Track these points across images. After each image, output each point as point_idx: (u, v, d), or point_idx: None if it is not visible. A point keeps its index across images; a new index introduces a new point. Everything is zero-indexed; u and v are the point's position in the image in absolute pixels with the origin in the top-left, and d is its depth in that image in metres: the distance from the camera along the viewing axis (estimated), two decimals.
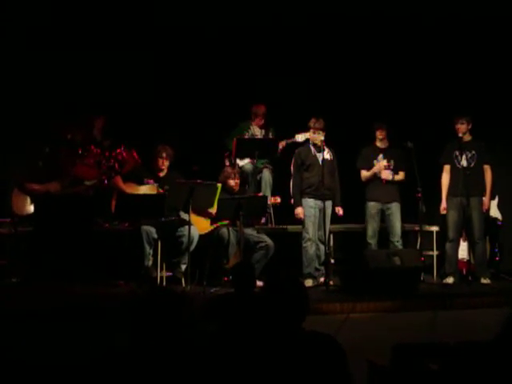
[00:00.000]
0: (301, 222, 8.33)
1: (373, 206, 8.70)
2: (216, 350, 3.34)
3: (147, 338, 3.09)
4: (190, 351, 3.09)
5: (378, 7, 9.49)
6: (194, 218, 7.81)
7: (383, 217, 8.73)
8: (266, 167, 9.11)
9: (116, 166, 8.47)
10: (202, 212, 8.01)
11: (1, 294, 7.24)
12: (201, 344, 3.29)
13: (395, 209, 8.68)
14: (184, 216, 7.87)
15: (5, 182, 8.49)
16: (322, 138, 8.22)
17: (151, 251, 7.83)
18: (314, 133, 8.27)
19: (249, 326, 4.15)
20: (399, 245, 8.60)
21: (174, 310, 3.14)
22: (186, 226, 7.66)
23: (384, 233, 8.78)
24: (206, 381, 3.03)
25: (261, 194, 8.57)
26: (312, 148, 8.33)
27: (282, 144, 8.91)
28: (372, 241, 8.69)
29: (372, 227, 8.70)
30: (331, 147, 8.44)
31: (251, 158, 8.90)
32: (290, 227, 8.93)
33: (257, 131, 9.25)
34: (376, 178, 8.70)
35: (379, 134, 8.75)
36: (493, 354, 1.84)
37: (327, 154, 8.34)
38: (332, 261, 8.56)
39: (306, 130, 8.50)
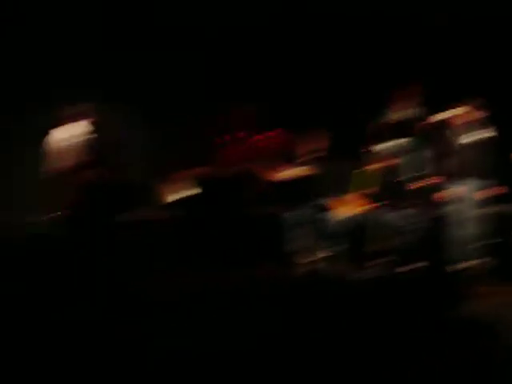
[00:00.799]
0: (451, 204, 8.13)
1: None
2: None
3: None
4: None
5: None
6: (340, 201, 7.78)
7: None
8: (414, 149, 8.93)
9: (263, 151, 8.56)
10: (348, 196, 7.97)
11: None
12: None
13: None
14: (330, 200, 7.86)
15: None
16: (475, 117, 7.99)
17: (296, 235, 7.84)
18: (468, 112, 8.05)
19: None
20: None
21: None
22: (333, 210, 7.64)
23: None
24: None
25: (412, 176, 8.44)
26: (464, 128, 8.12)
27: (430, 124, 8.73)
28: None
29: None
30: (488, 125, 8.18)
31: (398, 140, 8.76)
32: (441, 210, 8.70)
33: (401, 113, 9.06)
34: None
35: None
36: None
37: (481, 134, 8.09)
38: (488, 242, 8.31)
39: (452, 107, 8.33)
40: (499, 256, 7.76)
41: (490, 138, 8.18)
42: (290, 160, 8.23)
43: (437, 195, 8.15)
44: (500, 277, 7.36)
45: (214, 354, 4.47)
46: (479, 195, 8.09)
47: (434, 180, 8.33)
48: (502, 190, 8.15)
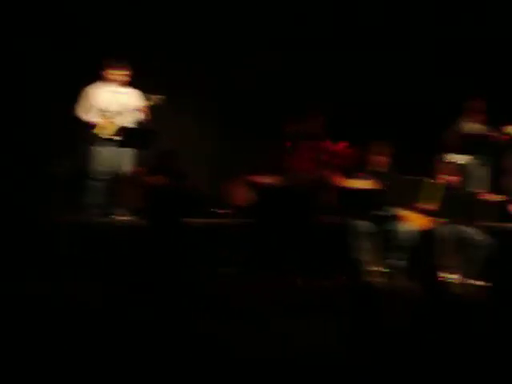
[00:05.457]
0: None
1: None
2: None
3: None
4: None
5: None
6: (412, 214, 7.79)
7: None
8: (485, 164, 8.92)
9: (335, 161, 8.60)
10: (417, 208, 7.96)
11: (223, 283, 7.50)
12: None
13: None
14: (398, 211, 7.86)
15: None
16: None
17: (366, 246, 7.86)
18: None
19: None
20: None
21: None
22: (402, 222, 7.66)
23: None
24: None
25: (480, 192, 8.39)
26: None
27: (499, 138, 8.67)
28: None
29: None
30: None
31: (472, 155, 8.74)
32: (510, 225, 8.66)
33: (475, 127, 9.05)
34: None
35: None
36: None
37: None
38: None
39: None
40: None
41: None
42: (358, 170, 8.25)
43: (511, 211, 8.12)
44: None
45: (278, 362, 4.51)
46: None
47: (502, 196, 8.30)
48: None
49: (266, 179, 8.57)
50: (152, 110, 8.56)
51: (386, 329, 3.52)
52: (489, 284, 3.79)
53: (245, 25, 9.96)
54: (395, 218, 7.91)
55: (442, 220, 7.91)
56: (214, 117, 10.19)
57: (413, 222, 7.88)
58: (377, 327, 3.32)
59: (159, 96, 8.50)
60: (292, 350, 4.88)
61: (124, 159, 8.60)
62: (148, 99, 8.52)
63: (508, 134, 8.57)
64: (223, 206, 8.89)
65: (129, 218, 8.55)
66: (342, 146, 8.77)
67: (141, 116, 8.59)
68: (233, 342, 5.15)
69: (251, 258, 8.10)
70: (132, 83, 8.69)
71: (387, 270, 7.94)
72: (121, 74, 8.62)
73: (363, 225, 7.83)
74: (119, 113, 8.55)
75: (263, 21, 9.83)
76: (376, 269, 7.89)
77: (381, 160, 8.19)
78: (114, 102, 8.59)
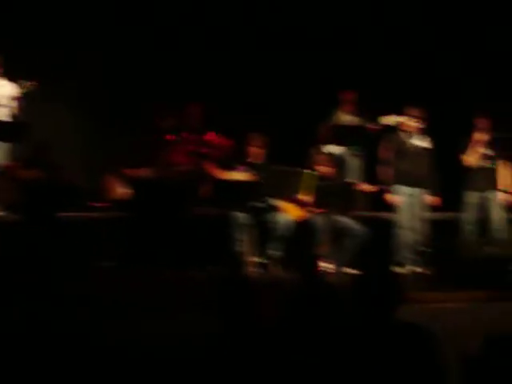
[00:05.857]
0: (394, 209, 8.27)
1: (471, 196, 8.54)
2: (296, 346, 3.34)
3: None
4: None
5: None
6: (286, 204, 7.87)
7: (484, 205, 8.56)
8: (357, 154, 9.07)
9: (209, 152, 8.58)
10: (295, 199, 8.04)
11: (95, 278, 7.40)
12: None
13: (493, 197, 8.49)
14: (276, 203, 7.92)
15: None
16: (419, 125, 8.14)
17: (242, 237, 7.89)
18: (411, 120, 8.18)
19: (328, 317, 4.13)
20: (499, 233, 8.42)
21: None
22: (278, 213, 7.73)
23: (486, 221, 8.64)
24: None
25: (352, 181, 8.53)
26: (405, 135, 8.25)
27: (373, 129, 8.82)
28: (471, 230, 8.54)
29: (471, 216, 8.54)
30: (428, 135, 8.34)
31: (343, 145, 8.87)
32: (384, 214, 8.87)
33: (347, 118, 9.19)
34: (475, 166, 8.55)
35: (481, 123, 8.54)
36: None
37: (422, 142, 8.25)
38: (426, 249, 8.47)
39: (395, 113, 8.48)
40: (436, 263, 7.91)
41: (429, 148, 8.35)
42: (234, 162, 8.26)
43: (386, 200, 8.29)
44: (436, 283, 7.51)
45: (153, 355, 4.48)
46: (422, 202, 8.25)
47: (376, 186, 8.46)
48: (439, 199, 8.32)
49: (142, 172, 8.47)
50: (25, 98, 8.34)
51: (259, 320, 3.50)
52: (362, 272, 3.85)
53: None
54: (272, 209, 7.97)
55: (318, 210, 8.02)
56: (90, 108, 9.96)
57: (289, 212, 7.96)
58: (250, 319, 3.30)
59: (31, 82, 8.29)
60: (163, 344, 4.87)
61: None
62: (21, 86, 8.29)
63: (382, 125, 8.73)
64: (100, 199, 8.73)
65: (2, 213, 8.33)
66: (218, 138, 8.74)
67: (14, 107, 8.36)
68: (102, 338, 5.11)
69: (127, 252, 8.01)
70: (4, 71, 8.43)
71: (265, 261, 8.00)
72: None
73: (240, 216, 7.85)
74: None
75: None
76: (254, 260, 7.94)
77: (257, 151, 8.22)
78: None
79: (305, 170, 7.94)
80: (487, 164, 8.52)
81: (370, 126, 8.78)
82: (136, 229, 8.11)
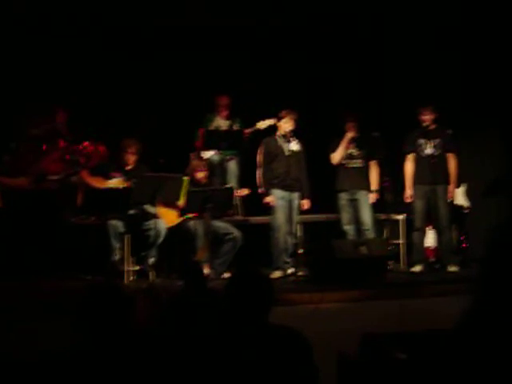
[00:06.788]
0: (270, 212, 8.33)
1: (342, 197, 8.73)
2: (174, 350, 3.32)
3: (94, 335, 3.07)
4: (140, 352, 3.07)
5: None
6: (161, 211, 7.81)
7: (354, 205, 8.76)
8: (232, 158, 9.10)
9: (82, 160, 8.42)
10: (170, 205, 7.99)
11: None
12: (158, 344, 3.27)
13: (362, 197, 8.71)
14: (150, 209, 7.84)
15: None
16: (291, 128, 8.23)
17: (118, 245, 7.79)
18: (285, 123, 8.26)
19: (206, 323, 4.12)
20: (369, 233, 8.63)
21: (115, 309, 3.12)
22: (154, 220, 7.66)
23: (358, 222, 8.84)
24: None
25: (228, 186, 8.54)
26: (279, 139, 8.33)
27: (246, 133, 8.85)
28: (349, 230, 8.71)
29: (345, 217, 8.72)
30: (299, 138, 8.45)
31: (217, 150, 8.87)
32: (259, 218, 8.93)
33: (222, 123, 9.22)
34: (343, 167, 8.74)
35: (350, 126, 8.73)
36: (453, 343, 1.87)
37: (295, 145, 8.35)
38: (301, 251, 8.58)
39: (269, 117, 8.55)
40: (311, 264, 8.01)
41: (302, 151, 8.46)
42: (107, 169, 8.13)
43: (262, 204, 8.33)
44: (311, 284, 7.60)
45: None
46: (296, 205, 8.34)
47: (245, 190, 8.49)
48: (309, 201, 8.46)
49: (15, 182, 8.24)
50: None
51: (135, 327, 3.44)
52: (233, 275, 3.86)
53: None
54: (148, 216, 7.89)
55: (192, 215, 8.00)
56: None
57: (166, 219, 7.91)
58: (122, 326, 3.24)
59: None
60: (30, 352, 4.77)
61: None
62: None
63: (257, 129, 8.78)
64: None
65: None
66: (92, 145, 8.58)
67: None
68: None
69: (2, 263, 7.77)
70: None
71: (142, 268, 7.93)
72: None
73: (116, 224, 7.74)
74: None
75: None
76: (128, 268, 7.84)
77: (130, 158, 8.12)
78: None
79: (178, 176, 7.89)
80: (356, 164, 8.74)
81: (245, 130, 8.82)
82: (10, 239, 7.89)
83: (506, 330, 1.70)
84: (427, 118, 8.50)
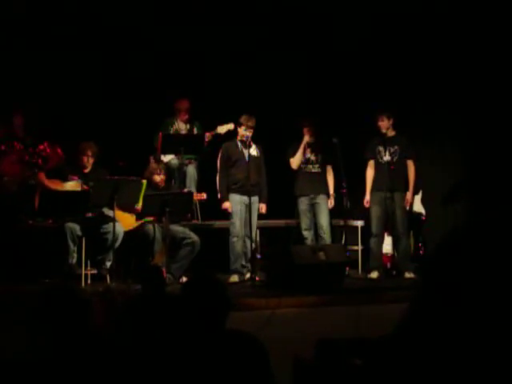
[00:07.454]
0: (228, 217, 8.34)
1: (302, 202, 8.77)
2: (131, 354, 3.29)
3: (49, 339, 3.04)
4: (98, 357, 3.04)
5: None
6: (119, 214, 7.75)
7: (313, 210, 8.79)
8: (191, 163, 9.07)
9: (40, 162, 8.32)
10: (128, 208, 7.94)
11: None
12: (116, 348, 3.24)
13: (321, 201, 8.75)
14: (108, 212, 7.78)
15: None
16: (251, 134, 8.24)
17: (75, 248, 7.73)
18: (245, 130, 8.26)
19: (164, 327, 4.10)
20: (326, 237, 8.67)
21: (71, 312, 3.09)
22: (111, 223, 7.60)
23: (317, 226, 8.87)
24: None
25: (186, 190, 8.51)
26: (239, 144, 8.34)
27: (206, 137, 8.83)
28: (307, 235, 8.75)
29: (305, 222, 8.76)
30: (258, 143, 8.46)
31: (176, 154, 8.83)
32: (217, 223, 8.93)
33: (181, 126, 9.20)
34: (301, 172, 8.78)
35: (307, 131, 8.78)
36: (390, 347, 1.88)
37: (254, 150, 8.36)
38: (258, 256, 8.58)
39: (227, 122, 8.57)
40: (269, 269, 8.02)
41: (260, 156, 8.48)
42: (64, 172, 8.07)
43: (221, 208, 8.32)
44: (268, 290, 7.61)
45: None
46: (254, 210, 8.34)
47: (202, 195, 8.46)
48: (265, 206, 8.46)
49: None
50: None
51: (92, 330, 3.40)
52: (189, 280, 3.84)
53: None
54: (105, 219, 7.83)
55: (150, 219, 7.96)
56: None
57: (122, 222, 7.85)
58: (79, 330, 3.19)
59: None
60: None
61: None
62: None
63: (216, 134, 8.79)
64: None
65: None
66: (50, 147, 8.48)
67: None
68: None
69: None
70: None
71: (96, 272, 7.88)
72: None
73: (73, 227, 7.68)
74: None
75: None
76: (84, 271, 7.79)
77: (87, 160, 8.07)
78: None
79: (135, 179, 7.85)
80: (314, 169, 8.80)
81: (205, 134, 8.81)
82: None
83: (441, 332, 1.72)
84: (384, 124, 8.59)
